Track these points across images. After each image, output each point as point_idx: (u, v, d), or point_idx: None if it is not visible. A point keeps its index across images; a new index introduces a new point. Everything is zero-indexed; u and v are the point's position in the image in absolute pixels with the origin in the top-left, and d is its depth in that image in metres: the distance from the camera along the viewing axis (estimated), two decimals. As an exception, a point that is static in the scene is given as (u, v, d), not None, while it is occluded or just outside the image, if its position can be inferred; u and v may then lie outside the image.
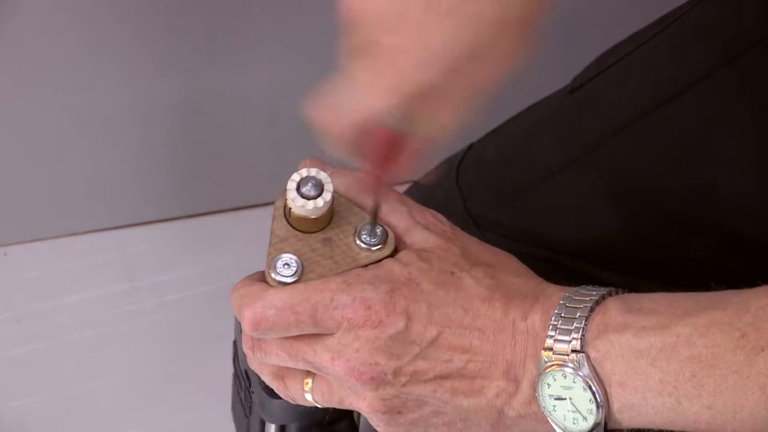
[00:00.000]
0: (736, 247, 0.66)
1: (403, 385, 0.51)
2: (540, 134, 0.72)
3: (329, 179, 0.53)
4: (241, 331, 0.60)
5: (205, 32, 1.38)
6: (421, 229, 0.54)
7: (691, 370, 0.46)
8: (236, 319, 0.68)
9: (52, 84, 1.35)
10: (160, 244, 1.41)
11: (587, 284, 0.52)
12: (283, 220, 0.54)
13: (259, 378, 0.62)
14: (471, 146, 0.79)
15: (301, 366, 0.53)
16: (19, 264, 1.37)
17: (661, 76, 0.68)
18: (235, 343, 0.70)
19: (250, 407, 0.68)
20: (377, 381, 0.50)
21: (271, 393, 0.62)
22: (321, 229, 0.54)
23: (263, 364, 0.56)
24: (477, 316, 0.51)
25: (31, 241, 1.38)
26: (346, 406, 0.53)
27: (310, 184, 0.52)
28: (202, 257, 1.40)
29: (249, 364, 0.57)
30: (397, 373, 0.50)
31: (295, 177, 0.53)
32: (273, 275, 0.52)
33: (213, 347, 1.36)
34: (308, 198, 0.52)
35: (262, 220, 1.43)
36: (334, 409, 0.65)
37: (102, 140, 1.40)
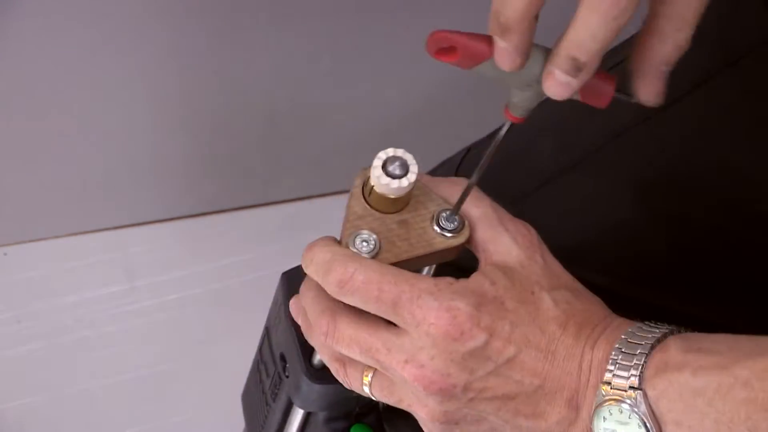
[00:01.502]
0: (735, 250, 0.65)
1: (470, 400, 0.51)
2: (540, 138, 0.72)
3: (414, 161, 0.53)
4: (285, 315, 0.60)
5: (205, 33, 1.38)
6: (509, 239, 0.54)
7: (746, 412, 0.46)
8: (273, 305, 0.68)
9: (52, 84, 1.35)
10: (160, 244, 1.41)
11: (613, 303, 0.52)
12: (361, 198, 0.55)
13: (300, 362, 0.63)
14: (469, 149, 0.79)
15: (370, 363, 0.53)
16: (19, 264, 1.37)
17: (661, 80, 0.68)
18: (267, 329, 0.70)
19: (276, 394, 0.68)
20: (445, 393, 0.50)
21: (311, 377, 0.62)
22: (397, 211, 0.55)
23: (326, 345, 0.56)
24: (552, 339, 0.51)
25: (31, 241, 1.39)
26: (403, 406, 0.53)
27: (396, 163, 0.52)
28: (202, 257, 1.41)
29: (309, 339, 0.57)
30: (467, 387, 0.50)
31: (382, 155, 0.53)
32: (351, 249, 0.53)
33: (213, 347, 1.36)
34: (394, 177, 0.52)
35: (262, 220, 1.45)
36: (365, 402, 0.65)
37: (102, 140, 1.40)
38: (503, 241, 0.54)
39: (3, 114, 1.35)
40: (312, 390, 0.63)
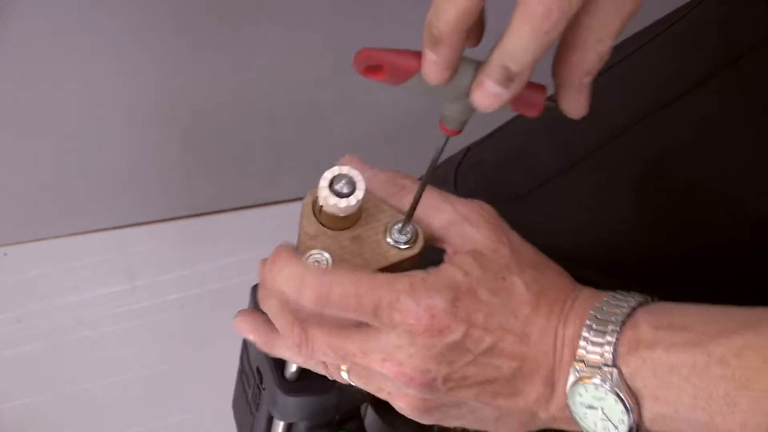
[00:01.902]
0: (734, 250, 0.65)
1: (449, 389, 0.51)
2: (538, 138, 0.72)
3: (361, 177, 0.52)
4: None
5: (206, 33, 1.38)
6: (472, 229, 0.53)
7: (724, 388, 0.46)
8: None
9: (52, 84, 1.35)
10: (160, 244, 1.41)
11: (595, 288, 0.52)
12: (312, 217, 0.54)
13: (272, 375, 0.62)
14: (469, 149, 0.79)
15: (348, 365, 0.53)
16: (19, 264, 1.37)
17: (661, 79, 0.68)
18: (245, 340, 0.70)
19: (258, 404, 0.68)
20: (426, 386, 0.50)
21: (286, 391, 0.62)
22: (350, 227, 0.54)
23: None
24: (526, 322, 0.51)
25: (31, 241, 1.39)
26: (383, 396, 0.53)
27: (342, 181, 0.52)
28: (202, 257, 1.41)
29: (272, 350, 0.57)
30: (446, 379, 0.51)
31: (328, 174, 0.52)
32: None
33: (213, 347, 1.36)
34: (341, 195, 0.52)
35: (262, 220, 1.45)
36: (346, 409, 0.65)
37: (102, 140, 1.40)
38: (467, 233, 0.53)
39: (3, 114, 1.35)
40: (287, 403, 0.63)
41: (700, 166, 0.65)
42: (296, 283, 0.50)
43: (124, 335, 1.36)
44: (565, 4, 0.43)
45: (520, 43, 0.44)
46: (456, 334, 0.50)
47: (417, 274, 0.51)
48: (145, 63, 1.36)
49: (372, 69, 0.48)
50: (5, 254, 1.37)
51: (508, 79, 0.45)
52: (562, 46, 0.48)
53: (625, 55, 0.71)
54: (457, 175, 0.77)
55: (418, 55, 0.47)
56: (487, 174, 0.75)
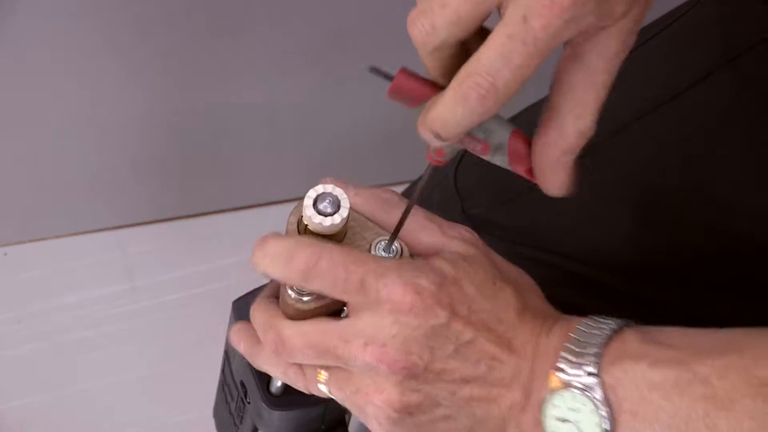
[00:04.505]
0: (734, 248, 0.65)
1: (428, 381, 0.51)
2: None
3: (345, 195, 0.52)
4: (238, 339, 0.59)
5: (206, 33, 1.38)
6: (458, 242, 0.54)
7: (704, 408, 0.46)
8: (228, 333, 0.68)
9: (52, 84, 1.35)
10: (160, 244, 1.41)
11: (583, 287, 0.52)
12: (298, 235, 0.54)
13: (258, 389, 0.62)
14: (469, 148, 0.79)
15: (329, 363, 0.52)
16: (19, 264, 1.37)
17: (660, 77, 0.68)
18: (226, 353, 0.70)
19: (242, 417, 0.68)
20: (407, 371, 0.50)
21: (271, 404, 0.62)
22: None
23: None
24: (509, 326, 0.52)
25: (31, 241, 1.39)
26: (359, 399, 0.53)
27: (327, 200, 0.52)
28: (202, 257, 1.41)
29: (254, 362, 0.57)
30: (427, 367, 0.50)
31: (312, 193, 0.52)
32: (289, 291, 0.52)
33: (213, 347, 1.36)
34: (325, 214, 0.52)
35: (262, 220, 1.45)
36: (330, 419, 0.65)
37: (102, 140, 1.40)
38: (458, 247, 0.54)
39: (3, 114, 1.35)
40: (273, 417, 0.63)
41: (699, 163, 0.65)
42: (286, 255, 0.50)
43: (124, 335, 1.36)
44: (500, 87, 0.43)
45: (453, 118, 0.45)
46: (440, 318, 0.50)
47: (404, 259, 0.52)
48: (144, 63, 1.36)
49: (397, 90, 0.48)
50: (5, 254, 1.38)
51: (437, 137, 0.46)
52: (540, 127, 0.48)
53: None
54: (456, 173, 0.77)
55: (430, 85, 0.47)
56: (486, 172, 0.75)
